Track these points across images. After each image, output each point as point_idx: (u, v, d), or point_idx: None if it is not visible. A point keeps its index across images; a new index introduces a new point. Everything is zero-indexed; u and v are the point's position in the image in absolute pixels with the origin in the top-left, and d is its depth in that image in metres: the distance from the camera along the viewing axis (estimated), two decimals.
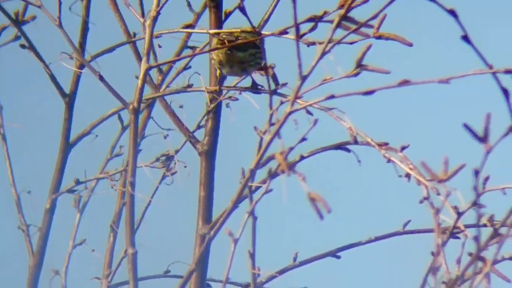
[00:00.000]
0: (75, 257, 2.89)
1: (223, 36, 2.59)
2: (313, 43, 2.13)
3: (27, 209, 2.88)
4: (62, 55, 2.46)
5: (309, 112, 2.43)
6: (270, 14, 2.77)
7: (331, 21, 1.90)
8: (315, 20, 2.01)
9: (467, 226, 2.37)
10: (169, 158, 2.76)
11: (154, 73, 2.83)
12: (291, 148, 2.02)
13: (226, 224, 2.29)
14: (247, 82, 2.70)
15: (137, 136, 2.31)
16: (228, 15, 2.71)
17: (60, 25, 2.45)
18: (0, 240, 2.97)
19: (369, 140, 2.52)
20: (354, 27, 1.83)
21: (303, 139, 2.03)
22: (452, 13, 1.86)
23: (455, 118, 2.87)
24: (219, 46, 2.55)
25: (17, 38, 2.88)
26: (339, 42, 1.88)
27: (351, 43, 2.26)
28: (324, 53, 1.86)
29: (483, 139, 1.84)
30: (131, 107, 2.25)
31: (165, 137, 2.76)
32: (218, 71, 2.65)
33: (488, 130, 1.84)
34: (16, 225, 2.89)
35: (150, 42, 2.24)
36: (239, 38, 2.59)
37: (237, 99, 2.67)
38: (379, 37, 2.30)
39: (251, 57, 2.63)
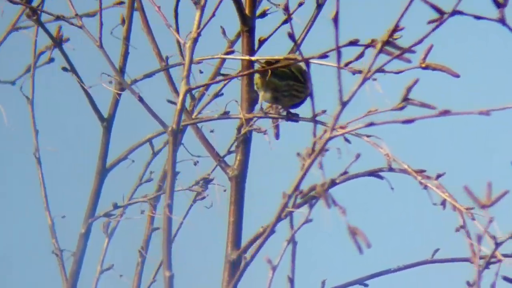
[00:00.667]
0: (103, 282, 2.89)
1: (263, 64, 2.61)
2: (359, 71, 2.13)
3: (61, 234, 2.89)
4: (103, 76, 2.48)
5: (347, 140, 2.43)
6: (303, 39, 2.78)
7: (373, 46, 1.91)
8: (356, 44, 2.02)
9: (504, 256, 2.35)
10: (208, 181, 2.76)
11: (186, 99, 2.84)
12: (333, 180, 2.02)
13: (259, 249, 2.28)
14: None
15: (175, 158, 2.32)
16: (262, 42, 2.73)
17: (101, 46, 2.47)
18: (34, 265, 2.98)
19: (406, 167, 2.51)
20: (397, 52, 1.84)
21: (345, 173, 2.03)
22: None
23: (492, 147, 2.86)
24: (258, 69, 2.57)
25: (51, 60, 2.90)
26: (382, 71, 1.88)
27: (397, 73, 2.26)
28: (365, 79, 1.86)
29: None
30: (170, 129, 2.26)
31: (195, 164, 2.77)
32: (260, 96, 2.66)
33: None
34: (50, 250, 2.89)
35: (190, 63, 2.25)
36: (282, 67, 2.61)
37: (265, 132, 2.67)
38: (426, 68, 2.30)
39: (286, 86, 2.65)
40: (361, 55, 2.21)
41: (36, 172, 2.92)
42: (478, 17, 1.86)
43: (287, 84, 2.65)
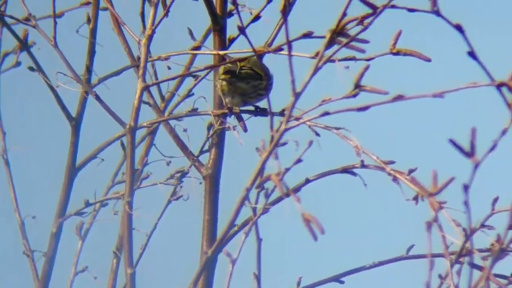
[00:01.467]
0: (77, 284, 2.88)
1: (228, 65, 2.62)
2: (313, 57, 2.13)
3: (32, 235, 2.88)
4: (65, 77, 2.47)
5: (317, 134, 2.42)
6: (274, 37, 2.78)
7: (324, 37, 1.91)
8: (310, 36, 2.00)
9: (478, 250, 2.34)
10: (184, 174, 2.76)
11: (158, 100, 2.83)
12: (287, 169, 2.01)
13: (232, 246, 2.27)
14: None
15: (134, 155, 2.32)
16: (231, 41, 2.72)
17: (55, 45, 2.47)
18: (5, 266, 2.97)
19: (375, 158, 2.50)
20: (346, 41, 1.83)
21: (299, 161, 2.03)
22: (459, 28, 1.85)
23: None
24: (222, 76, 2.59)
25: (18, 63, 2.90)
26: (334, 61, 1.87)
27: (368, 60, 2.24)
28: (317, 69, 1.85)
29: (469, 154, 1.82)
30: (127, 126, 2.26)
31: (168, 164, 2.76)
32: (223, 99, 2.67)
33: (474, 145, 1.81)
34: (21, 251, 2.88)
35: (145, 61, 2.24)
36: (243, 68, 2.62)
37: (234, 128, 2.67)
38: (397, 53, 2.29)
39: (252, 89, 2.66)
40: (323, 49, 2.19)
41: (5, 173, 2.91)
42: (411, 10, 1.86)
43: (252, 86, 2.66)
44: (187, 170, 2.76)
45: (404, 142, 3.09)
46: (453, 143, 1.82)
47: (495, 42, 3.21)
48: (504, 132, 1.85)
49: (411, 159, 2.58)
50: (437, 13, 1.82)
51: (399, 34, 2.31)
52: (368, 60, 2.27)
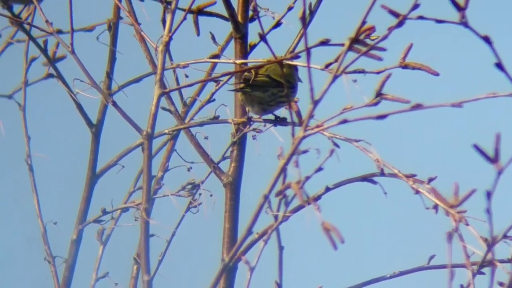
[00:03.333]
0: None
1: (246, 74, 2.62)
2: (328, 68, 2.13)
3: (53, 241, 2.89)
4: (85, 85, 2.48)
5: (336, 145, 2.42)
6: (296, 45, 2.78)
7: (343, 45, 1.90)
8: (327, 44, 2.01)
9: (499, 261, 2.32)
10: (194, 186, 2.76)
11: (179, 105, 2.84)
12: (307, 178, 2.00)
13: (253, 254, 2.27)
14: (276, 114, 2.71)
15: (151, 162, 2.32)
16: (252, 47, 2.72)
17: (72, 52, 2.48)
18: (27, 272, 2.98)
19: (397, 171, 2.50)
20: (364, 49, 1.82)
21: (320, 169, 2.02)
22: (487, 40, 1.84)
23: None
24: (237, 86, 2.59)
25: (49, 75, 2.93)
26: (362, 71, 1.86)
27: (377, 73, 2.25)
28: (335, 77, 1.85)
29: (493, 159, 1.80)
30: (144, 133, 2.26)
31: (188, 170, 2.77)
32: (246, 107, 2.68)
33: (498, 151, 1.80)
34: (42, 257, 2.89)
35: (162, 68, 2.24)
36: (259, 75, 2.62)
37: (261, 131, 2.68)
38: (405, 67, 2.29)
39: (271, 97, 2.65)
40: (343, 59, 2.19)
41: (28, 179, 2.93)
42: (439, 21, 1.85)
43: (271, 94, 2.65)
44: (198, 182, 2.75)
45: (423, 149, 3.08)
46: (477, 148, 1.80)
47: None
48: None
49: (431, 166, 2.57)
50: (465, 24, 1.81)
51: (410, 47, 2.31)
52: (377, 73, 2.26)
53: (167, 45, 2.26)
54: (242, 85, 2.63)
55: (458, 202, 2.00)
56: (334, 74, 1.83)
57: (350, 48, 1.84)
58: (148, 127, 2.26)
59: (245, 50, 2.72)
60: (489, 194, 1.86)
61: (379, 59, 1.92)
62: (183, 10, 2.53)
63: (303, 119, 1.89)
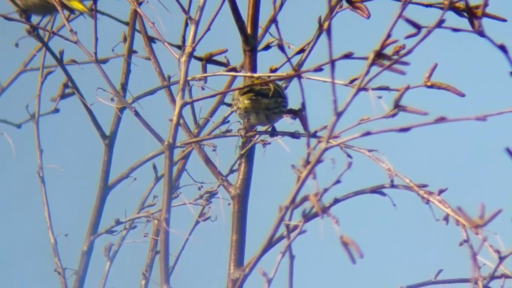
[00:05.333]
0: None
1: (246, 87, 2.64)
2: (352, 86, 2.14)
3: (63, 253, 2.89)
4: (103, 93, 2.49)
5: (349, 155, 2.43)
6: (306, 57, 2.80)
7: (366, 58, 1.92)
8: (350, 57, 2.03)
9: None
10: (212, 195, 2.77)
11: (191, 125, 2.85)
12: (325, 190, 2.02)
13: (263, 265, 2.28)
14: (281, 127, 2.73)
15: (172, 172, 2.32)
16: (274, 71, 2.74)
17: (96, 61, 2.49)
18: (37, 283, 2.98)
19: (408, 181, 2.51)
20: (388, 63, 1.85)
21: (338, 181, 2.03)
22: (503, 48, 1.86)
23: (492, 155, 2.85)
24: (244, 97, 2.61)
25: (65, 86, 2.93)
26: (386, 88, 1.87)
27: (403, 92, 2.25)
28: (359, 90, 1.87)
29: None
30: (166, 143, 2.27)
31: (199, 189, 2.78)
32: (245, 121, 2.68)
33: None
34: (52, 268, 2.88)
35: (185, 78, 2.26)
36: (263, 85, 2.64)
37: (269, 143, 2.69)
38: (431, 86, 2.31)
39: (276, 104, 2.67)
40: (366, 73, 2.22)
41: (40, 191, 2.93)
42: (456, 30, 1.88)
43: (276, 101, 2.68)
44: (215, 191, 2.76)
45: (436, 161, 3.10)
46: (510, 152, 1.81)
47: None
48: None
49: (442, 177, 2.59)
50: (481, 33, 1.84)
51: (435, 67, 2.33)
52: (402, 92, 2.28)
53: (190, 56, 2.28)
54: (252, 94, 2.65)
55: (484, 222, 2.02)
56: (358, 87, 1.85)
57: (374, 62, 1.86)
58: (169, 137, 2.27)
59: (254, 63, 2.74)
60: None
61: (402, 73, 1.94)
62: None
63: (327, 130, 1.90)
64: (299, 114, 2.65)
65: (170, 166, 2.22)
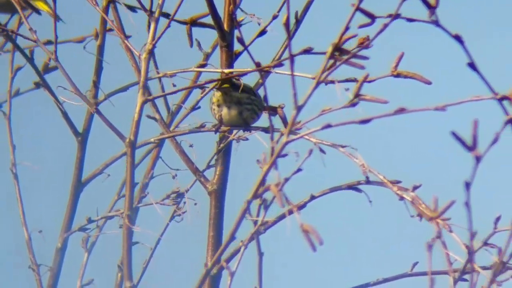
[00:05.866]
0: None
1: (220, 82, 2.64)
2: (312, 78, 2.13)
3: (38, 249, 2.89)
4: (71, 93, 2.49)
5: (322, 150, 2.43)
6: (282, 53, 2.80)
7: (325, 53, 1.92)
8: (310, 52, 2.02)
9: (481, 268, 2.34)
10: (179, 195, 2.77)
11: (164, 113, 2.85)
12: (287, 179, 2.01)
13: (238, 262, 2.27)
14: (260, 122, 2.72)
15: (134, 169, 2.32)
16: (237, 55, 2.74)
17: (56, 59, 2.49)
18: (11, 280, 2.98)
19: (382, 177, 2.51)
20: (345, 58, 1.84)
21: (299, 170, 2.03)
22: (458, 38, 1.86)
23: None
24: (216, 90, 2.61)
25: (36, 85, 2.94)
26: (353, 80, 1.88)
27: (369, 82, 2.25)
28: (319, 83, 1.87)
29: (471, 147, 1.81)
30: (127, 140, 2.26)
31: (173, 177, 2.77)
32: (216, 114, 2.68)
33: (476, 138, 1.80)
34: (27, 265, 2.89)
35: (146, 75, 2.26)
36: (236, 78, 2.64)
37: (246, 139, 2.69)
38: (398, 76, 2.30)
39: (249, 99, 2.67)
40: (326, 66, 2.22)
41: (13, 187, 2.93)
42: (411, 20, 1.87)
43: (249, 97, 2.68)
44: (182, 191, 2.76)
45: (406, 154, 3.10)
46: (456, 136, 1.81)
47: (496, 54, 3.23)
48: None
49: (416, 172, 2.58)
50: (436, 23, 1.83)
51: (401, 56, 2.32)
52: (369, 82, 2.28)
53: (150, 53, 2.28)
54: (225, 85, 2.65)
55: (438, 214, 2.02)
56: (317, 80, 1.85)
57: (332, 56, 1.86)
58: (131, 134, 2.27)
59: (230, 58, 2.74)
60: (468, 185, 1.86)
61: (362, 67, 1.94)
62: (166, 16, 2.54)
63: (288, 124, 1.90)
64: (278, 111, 2.65)
65: (132, 164, 2.22)
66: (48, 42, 2.76)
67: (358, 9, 1.80)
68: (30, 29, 2.52)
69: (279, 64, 2.11)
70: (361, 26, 1.84)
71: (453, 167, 2.97)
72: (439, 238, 2.40)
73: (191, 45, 2.69)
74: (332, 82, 2.04)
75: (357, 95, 1.97)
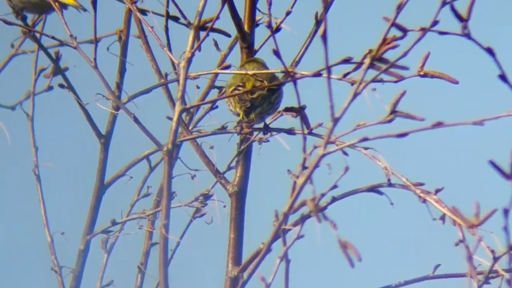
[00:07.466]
0: None
1: (240, 88, 2.62)
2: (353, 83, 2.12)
3: (60, 251, 2.88)
4: (99, 96, 2.48)
5: (345, 153, 2.42)
6: (302, 55, 2.78)
7: (362, 63, 1.91)
8: (349, 62, 2.01)
9: (505, 270, 2.34)
10: (207, 197, 2.76)
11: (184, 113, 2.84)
12: (323, 195, 2.01)
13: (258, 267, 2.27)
14: (280, 123, 2.72)
15: (171, 178, 2.31)
16: (255, 52, 2.73)
17: (95, 67, 2.47)
18: (34, 282, 2.98)
19: (404, 180, 2.51)
20: (385, 67, 1.84)
21: (335, 186, 2.02)
22: (490, 51, 1.85)
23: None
24: (238, 103, 2.59)
25: (50, 87, 2.92)
26: (379, 81, 1.87)
27: (395, 82, 2.24)
28: (356, 94, 1.86)
29: (509, 176, 1.81)
30: (165, 149, 2.25)
31: (192, 178, 2.77)
32: (240, 116, 2.68)
33: None
34: (49, 267, 2.88)
35: (184, 84, 2.24)
36: (254, 87, 2.62)
37: (267, 141, 2.68)
38: (424, 75, 2.29)
39: (269, 105, 2.66)
40: (357, 68, 2.21)
41: (36, 189, 2.92)
42: (443, 33, 1.87)
43: (268, 103, 2.67)
44: (211, 193, 2.75)
45: (432, 160, 3.10)
46: (493, 164, 1.81)
47: None
48: None
49: (439, 177, 2.58)
50: (468, 36, 1.82)
51: (427, 56, 2.31)
52: (395, 82, 2.27)
53: (189, 61, 2.26)
54: (244, 106, 2.63)
55: (479, 222, 2.02)
56: (354, 91, 1.85)
57: (370, 66, 1.85)
58: (169, 143, 2.25)
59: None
60: (506, 212, 1.87)
61: (400, 77, 1.93)
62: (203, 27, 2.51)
63: (324, 136, 1.89)
64: (300, 112, 2.64)
65: (170, 172, 2.20)
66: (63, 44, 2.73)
67: (393, 24, 1.79)
68: (70, 35, 2.49)
69: (317, 74, 2.09)
70: (395, 40, 1.84)
71: (474, 171, 2.98)
72: (463, 242, 2.40)
73: (217, 48, 2.66)
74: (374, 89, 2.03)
75: (393, 111, 1.96)
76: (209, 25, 2.49)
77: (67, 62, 2.86)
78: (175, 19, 2.59)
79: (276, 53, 1.91)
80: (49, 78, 2.89)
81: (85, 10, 2.66)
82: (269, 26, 2.04)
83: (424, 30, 1.88)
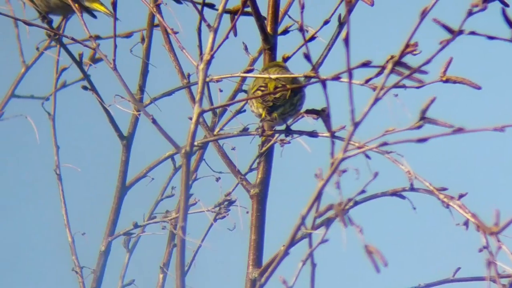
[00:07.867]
0: None
1: (262, 89, 2.61)
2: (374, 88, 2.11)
3: (81, 251, 2.89)
4: (121, 97, 2.48)
5: (367, 156, 2.41)
6: (325, 57, 2.77)
7: (385, 68, 1.90)
8: (368, 65, 2.00)
9: None
10: (230, 203, 2.76)
11: (208, 115, 2.84)
12: (350, 200, 2.00)
13: (278, 269, 2.26)
14: (301, 126, 2.71)
15: (189, 180, 2.30)
16: (286, 60, 2.72)
17: (115, 68, 2.47)
18: (55, 282, 2.99)
19: (428, 184, 2.49)
20: (407, 72, 1.82)
21: (363, 191, 2.01)
22: None
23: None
24: (260, 103, 2.59)
25: (82, 78, 2.92)
26: (400, 86, 1.86)
27: (418, 87, 2.23)
28: (377, 99, 1.85)
29: None
30: (183, 151, 2.25)
31: (217, 180, 2.77)
32: (262, 115, 2.66)
33: None
34: (70, 267, 2.89)
35: (203, 86, 2.24)
36: (277, 88, 2.61)
37: (288, 143, 2.67)
38: (447, 81, 2.27)
39: (291, 107, 2.65)
40: (379, 73, 2.19)
41: (57, 189, 2.93)
42: (491, 38, 1.84)
43: (291, 104, 2.66)
44: (234, 199, 2.75)
45: (457, 166, 3.07)
46: None
47: None
48: None
49: (462, 182, 2.56)
50: None
51: (450, 61, 2.29)
52: (417, 88, 2.25)
53: (208, 63, 2.25)
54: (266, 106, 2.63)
55: (500, 229, 2.00)
56: (375, 97, 1.83)
57: (392, 71, 1.84)
58: (187, 145, 2.25)
59: (273, 61, 2.72)
60: None
61: (421, 82, 1.91)
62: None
63: (345, 140, 1.88)
64: (321, 114, 2.63)
65: (187, 174, 2.20)
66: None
67: (442, 25, 1.76)
68: (90, 36, 2.50)
69: (337, 77, 2.08)
70: (443, 42, 1.81)
71: (495, 176, 2.96)
72: (486, 248, 2.38)
73: (235, 34, 2.65)
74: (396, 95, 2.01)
75: (423, 117, 1.95)
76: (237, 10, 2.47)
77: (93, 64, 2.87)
78: (211, 6, 2.59)
79: (307, 56, 1.90)
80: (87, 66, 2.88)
81: (117, 19, 2.67)
82: (301, 29, 2.02)
83: (473, 34, 1.86)
